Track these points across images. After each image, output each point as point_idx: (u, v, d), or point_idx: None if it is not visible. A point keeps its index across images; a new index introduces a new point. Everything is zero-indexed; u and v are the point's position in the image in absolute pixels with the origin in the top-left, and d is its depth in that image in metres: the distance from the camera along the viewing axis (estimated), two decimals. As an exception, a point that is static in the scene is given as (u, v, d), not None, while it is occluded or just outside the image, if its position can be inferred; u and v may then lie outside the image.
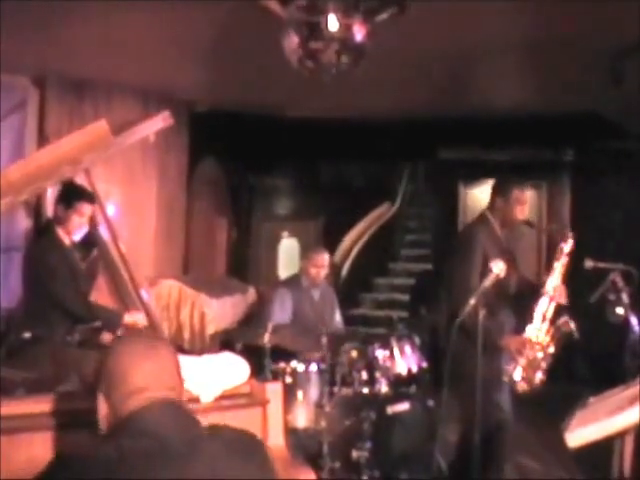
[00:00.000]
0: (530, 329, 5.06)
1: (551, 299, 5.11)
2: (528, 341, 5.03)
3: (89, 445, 2.10)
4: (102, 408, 2.20)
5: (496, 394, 5.04)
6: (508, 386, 5.12)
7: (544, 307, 5.10)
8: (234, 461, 2.14)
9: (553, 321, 5.09)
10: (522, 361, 5.00)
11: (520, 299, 5.35)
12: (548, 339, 5.05)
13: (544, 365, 5.04)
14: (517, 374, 5.00)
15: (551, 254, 5.39)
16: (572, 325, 5.02)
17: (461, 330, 4.48)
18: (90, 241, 5.50)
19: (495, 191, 5.40)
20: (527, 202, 5.40)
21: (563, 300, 5.17)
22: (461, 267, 5.17)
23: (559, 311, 5.14)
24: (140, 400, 2.13)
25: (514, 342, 5.05)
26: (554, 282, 5.14)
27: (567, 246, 5.18)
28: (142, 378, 2.16)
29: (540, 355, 5.02)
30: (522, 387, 5.03)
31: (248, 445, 2.25)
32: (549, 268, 5.26)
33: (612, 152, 9.90)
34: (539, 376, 5.03)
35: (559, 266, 5.16)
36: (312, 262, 6.57)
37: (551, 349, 5.05)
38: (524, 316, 5.16)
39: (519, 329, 5.14)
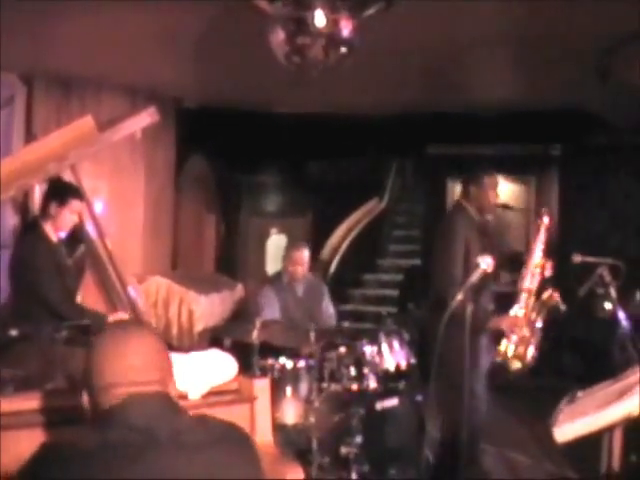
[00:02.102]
0: (516, 307, 5.20)
1: (533, 275, 5.25)
2: (517, 318, 5.15)
3: (73, 436, 2.10)
4: (86, 405, 2.20)
5: (472, 382, 5.07)
6: (484, 374, 5.23)
7: (528, 283, 5.24)
8: (219, 450, 2.14)
9: (538, 296, 5.22)
10: (513, 338, 5.10)
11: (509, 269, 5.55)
12: (535, 314, 5.18)
13: (534, 341, 5.16)
14: (509, 352, 5.11)
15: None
16: (557, 296, 5.18)
17: (448, 325, 4.47)
18: (75, 237, 5.48)
19: (467, 181, 5.58)
20: (497, 186, 5.56)
21: (548, 273, 5.30)
22: (443, 257, 5.31)
23: (543, 286, 5.27)
24: (122, 394, 2.12)
25: (505, 322, 5.18)
26: (536, 258, 5.28)
27: (544, 222, 5.37)
28: (124, 372, 2.15)
29: (528, 332, 5.15)
30: (515, 365, 5.09)
31: (234, 436, 2.25)
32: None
33: (600, 147, 9.93)
34: (531, 352, 5.11)
35: (539, 242, 5.33)
36: (289, 259, 6.55)
37: (539, 324, 5.18)
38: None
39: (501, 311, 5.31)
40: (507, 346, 5.11)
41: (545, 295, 5.19)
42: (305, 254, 6.58)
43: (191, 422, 2.18)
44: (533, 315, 5.17)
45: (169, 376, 2.27)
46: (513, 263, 5.49)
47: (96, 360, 2.18)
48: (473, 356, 4.91)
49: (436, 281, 5.33)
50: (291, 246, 6.77)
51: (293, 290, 6.59)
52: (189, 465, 2.05)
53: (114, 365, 2.16)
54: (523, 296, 5.20)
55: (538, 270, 5.25)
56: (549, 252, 5.34)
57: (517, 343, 5.12)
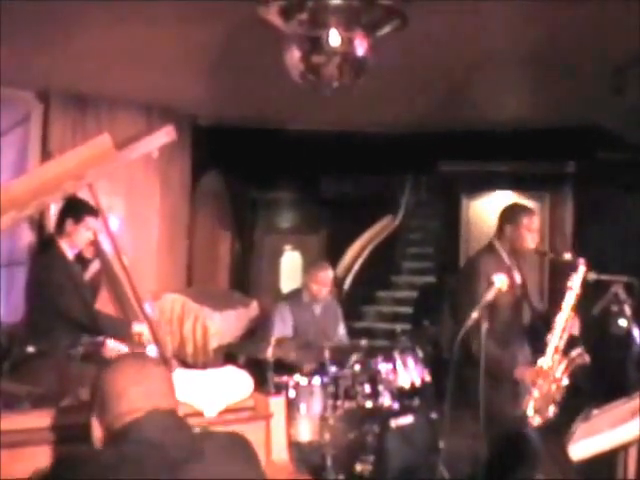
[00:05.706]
0: (543, 361, 4.95)
1: (563, 331, 4.98)
2: (542, 372, 4.92)
3: (89, 451, 2.17)
4: (96, 430, 2.28)
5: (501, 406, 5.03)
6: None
7: (556, 339, 4.98)
8: (225, 458, 2.26)
9: (566, 353, 5.00)
10: (536, 394, 4.90)
11: (534, 331, 5.29)
12: (561, 372, 4.96)
13: (557, 398, 4.95)
14: (530, 408, 4.89)
15: (554, 275, 5.32)
16: (587, 357, 4.97)
17: (463, 346, 4.49)
18: (82, 256, 5.53)
19: (503, 218, 5.28)
20: (537, 229, 5.26)
21: (576, 331, 5.06)
22: (465, 300, 5.04)
23: (572, 342, 5.05)
24: (139, 415, 2.23)
25: (528, 373, 4.95)
26: (566, 313, 5.00)
27: (579, 276, 5.02)
28: (135, 400, 2.25)
29: (553, 388, 4.93)
30: (536, 421, 4.94)
31: (236, 443, 2.37)
32: (553, 291, 5.21)
33: (614, 163, 9.89)
34: (552, 409, 4.96)
35: (571, 297, 5.01)
36: (314, 278, 6.50)
37: (564, 382, 4.97)
38: (538, 348, 5.08)
39: (533, 361, 5.05)
40: (528, 400, 4.90)
41: (574, 353, 4.97)
42: (330, 274, 6.58)
43: (199, 436, 2.31)
44: (559, 372, 4.95)
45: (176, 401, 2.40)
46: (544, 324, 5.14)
47: (117, 386, 2.28)
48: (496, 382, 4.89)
49: (457, 324, 4.99)
50: (316, 266, 6.68)
51: (311, 309, 6.56)
52: (200, 473, 2.16)
53: (138, 391, 2.26)
54: (550, 350, 4.95)
55: (567, 325, 4.99)
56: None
57: (539, 399, 4.89)
